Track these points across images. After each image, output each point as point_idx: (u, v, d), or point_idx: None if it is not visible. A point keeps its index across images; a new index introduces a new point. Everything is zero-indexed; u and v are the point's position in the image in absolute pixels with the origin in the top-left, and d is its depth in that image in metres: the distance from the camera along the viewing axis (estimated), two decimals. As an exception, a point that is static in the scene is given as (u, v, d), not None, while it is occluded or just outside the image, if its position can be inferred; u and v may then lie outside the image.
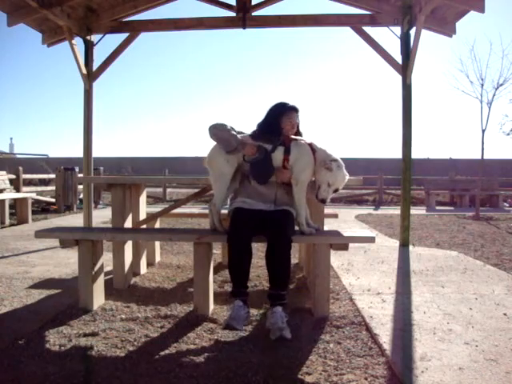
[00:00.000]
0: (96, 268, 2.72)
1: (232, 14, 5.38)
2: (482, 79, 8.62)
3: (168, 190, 13.44)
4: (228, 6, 5.41)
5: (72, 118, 63.20)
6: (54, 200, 9.30)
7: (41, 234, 2.77)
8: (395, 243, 5.23)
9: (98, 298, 2.77)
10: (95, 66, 5.48)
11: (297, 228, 2.59)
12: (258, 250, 4.15)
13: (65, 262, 4.09)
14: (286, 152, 2.54)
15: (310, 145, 2.58)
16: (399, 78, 5.01)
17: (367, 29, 5.19)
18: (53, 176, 10.30)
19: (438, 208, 11.37)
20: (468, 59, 10.51)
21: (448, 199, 13.12)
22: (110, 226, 4.52)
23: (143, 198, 3.81)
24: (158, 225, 4.05)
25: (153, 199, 12.52)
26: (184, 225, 6.75)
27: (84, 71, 5.34)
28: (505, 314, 2.61)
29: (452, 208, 11.48)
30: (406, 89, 4.95)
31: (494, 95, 8.64)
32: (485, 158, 9.07)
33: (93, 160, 5.52)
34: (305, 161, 2.53)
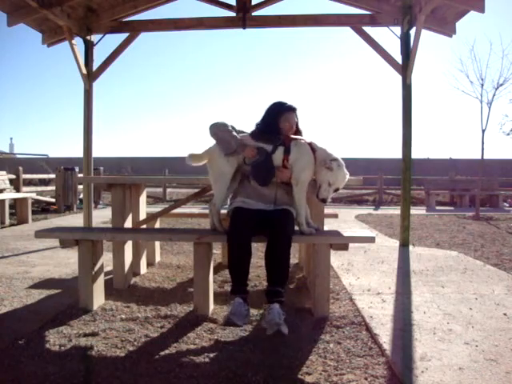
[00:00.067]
0: (96, 268, 2.72)
1: (232, 14, 5.38)
2: (482, 79, 8.63)
3: (168, 190, 13.45)
4: (228, 6, 5.41)
5: (72, 118, 63.25)
6: (54, 200, 9.30)
7: (41, 233, 2.77)
8: (395, 243, 5.23)
9: (98, 298, 2.77)
10: (95, 66, 5.48)
11: (297, 228, 2.59)
12: (258, 249, 4.15)
13: (65, 262, 4.09)
14: (285, 152, 2.54)
15: (310, 144, 2.57)
16: (399, 78, 5.01)
17: (367, 29, 5.19)
18: (53, 176, 10.30)
19: (437, 208, 11.37)
20: (468, 59, 10.50)
21: (448, 199, 13.13)
22: (109, 225, 4.52)
23: (143, 198, 3.81)
24: (157, 225, 4.05)
25: (153, 199, 12.52)
26: (184, 225, 6.75)
27: (84, 71, 5.35)
28: (505, 314, 2.61)
29: (452, 208, 11.49)
30: (406, 89, 4.95)
31: (493, 95, 8.65)
32: (485, 158, 9.08)
33: (93, 160, 5.53)
34: (305, 160, 2.53)
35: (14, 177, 8.45)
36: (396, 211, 8.32)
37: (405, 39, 4.99)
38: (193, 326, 2.42)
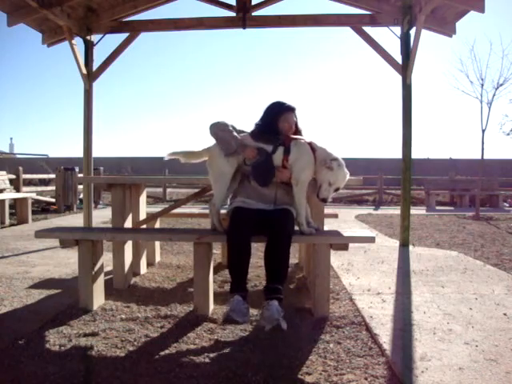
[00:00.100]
0: (96, 268, 2.72)
1: (232, 14, 5.38)
2: (482, 79, 8.64)
3: (168, 190, 13.45)
4: (228, 6, 5.41)
5: (72, 118, 63.27)
6: (54, 200, 9.30)
7: (41, 233, 2.77)
8: (395, 243, 5.23)
9: (98, 298, 2.77)
10: (95, 66, 5.48)
11: (297, 228, 2.59)
12: (258, 250, 4.15)
13: (65, 262, 4.09)
14: (285, 152, 2.53)
15: (310, 144, 2.57)
16: (399, 78, 5.01)
17: (367, 29, 5.19)
18: (53, 176, 10.30)
19: (438, 208, 11.37)
20: (468, 59, 10.51)
21: (448, 199, 13.13)
22: (110, 225, 4.52)
23: (143, 198, 3.81)
24: (158, 225, 4.05)
25: (153, 199, 12.52)
26: (184, 225, 6.75)
27: (84, 71, 5.35)
28: (505, 314, 2.61)
29: (452, 208, 11.49)
30: (406, 89, 4.95)
31: (494, 95, 8.66)
32: (485, 158, 9.08)
33: (93, 160, 5.53)
34: (304, 160, 2.53)
35: (14, 177, 8.45)
36: (396, 211, 8.32)
37: (405, 39, 4.99)
38: (193, 326, 2.42)
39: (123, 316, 2.57)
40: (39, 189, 10.46)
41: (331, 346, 2.17)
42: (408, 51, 4.93)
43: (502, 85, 8.58)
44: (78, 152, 32.15)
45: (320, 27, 5.64)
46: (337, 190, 2.55)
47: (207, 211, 2.81)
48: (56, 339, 2.22)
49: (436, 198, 12.27)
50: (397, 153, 5.49)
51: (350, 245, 2.64)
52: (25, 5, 4.55)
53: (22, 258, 4.26)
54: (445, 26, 5.05)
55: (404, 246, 5.01)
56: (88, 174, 5.41)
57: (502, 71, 8.61)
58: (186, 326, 2.43)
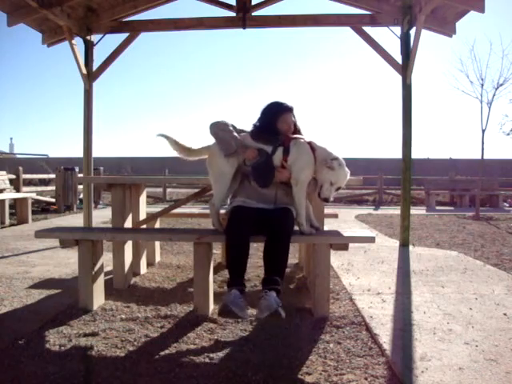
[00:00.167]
0: (96, 268, 2.72)
1: (232, 13, 5.38)
2: (482, 79, 8.64)
3: (168, 190, 13.45)
4: (228, 6, 5.41)
5: (72, 118, 63.19)
6: (54, 200, 9.30)
7: (41, 233, 2.77)
8: (395, 243, 5.23)
9: (98, 298, 2.77)
10: (95, 66, 5.48)
11: (297, 228, 2.59)
12: (258, 250, 4.15)
13: (65, 262, 4.09)
14: (284, 152, 2.53)
15: (310, 143, 2.57)
16: (399, 78, 5.01)
17: (367, 29, 5.19)
18: (53, 176, 10.30)
19: (438, 208, 11.37)
20: (468, 59, 10.47)
21: (448, 199, 13.13)
22: (110, 225, 4.52)
23: (143, 198, 3.81)
24: (158, 225, 4.05)
25: (153, 199, 12.52)
26: (184, 225, 6.75)
27: (84, 71, 5.35)
28: (505, 314, 2.61)
29: (452, 208, 11.49)
30: (406, 89, 4.95)
31: (494, 95, 8.66)
32: (485, 158, 9.08)
33: (93, 160, 5.53)
34: (304, 160, 2.52)
35: (14, 177, 8.45)
36: (396, 211, 8.32)
37: (405, 39, 4.99)
38: (193, 326, 2.42)
39: (123, 316, 2.57)
40: (39, 189, 10.46)
41: (331, 346, 2.17)
42: (408, 51, 4.93)
43: (502, 85, 8.59)
44: (78, 152, 32.15)
45: (320, 27, 5.64)
46: (338, 189, 2.55)
47: (207, 211, 2.81)
48: (56, 339, 2.22)
49: (436, 198, 12.27)
50: (397, 153, 5.49)
51: (350, 245, 2.64)
52: (25, 5, 4.55)
53: (22, 258, 4.26)
54: (445, 26, 5.05)
55: (404, 246, 5.01)
56: (88, 173, 5.41)
57: (501, 71, 8.63)
58: (186, 325, 2.43)
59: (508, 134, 11.05)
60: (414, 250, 4.81)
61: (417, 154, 24.41)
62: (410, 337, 2.27)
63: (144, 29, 5.50)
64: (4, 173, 8.11)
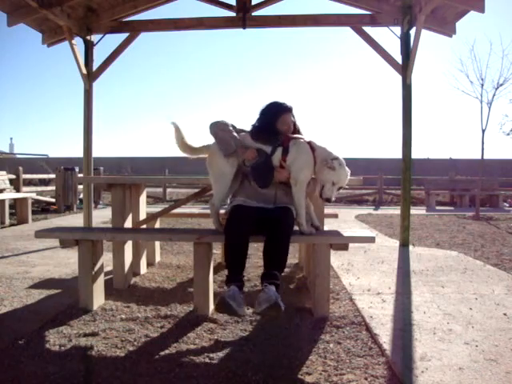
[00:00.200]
0: (96, 268, 2.72)
1: (232, 13, 5.38)
2: (482, 79, 8.64)
3: (168, 190, 13.45)
4: (228, 6, 5.41)
5: (72, 118, 63.18)
6: (54, 200, 9.30)
7: (41, 233, 2.77)
8: (395, 243, 5.23)
9: (98, 298, 2.77)
10: (95, 66, 5.49)
11: (297, 228, 2.59)
12: (258, 250, 4.15)
13: (65, 262, 4.09)
14: (283, 152, 2.53)
15: (309, 143, 2.56)
16: (399, 78, 5.01)
17: (367, 29, 5.19)
18: (53, 176, 10.30)
19: (438, 208, 11.37)
20: (468, 59, 10.48)
21: (448, 199, 13.13)
22: (110, 225, 4.52)
23: (143, 198, 3.81)
24: (158, 225, 4.05)
25: (153, 199, 12.52)
26: (184, 225, 6.75)
27: (84, 71, 5.35)
28: (505, 314, 2.61)
29: (452, 208, 11.49)
30: (406, 89, 4.95)
31: (494, 95, 8.66)
32: (485, 158, 9.08)
33: (93, 160, 5.53)
34: (303, 160, 2.52)
35: (14, 177, 8.45)
36: (396, 211, 8.32)
37: (405, 39, 4.99)
38: (193, 326, 2.42)
39: (123, 316, 2.57)
40: (39, 189, 10.46)
41: (331, 345, 2.17)
42: (408, 51, 4.93)
43: (502, 85, 8.59)
44: (78, 152, 32.15)
45: (320, 27, 5.64)
46: (339, 188, 2.55)
47: (207, 211, 2.81)
48: (56, 339, 2.22)
49: (436, 198, 12.27)
50: (397, 153, 5.49)
51: (350, 245, 2.64)
52: (25, 5, 4.55)
53: (22, 258, 4.26)
54: (445, 26, 5.05)
55: (404, 246, 5.01)
56: (88, 173, 5.41)
57: (501, 71, 8.63)
58: (186, 325, 2.43)
59: (508, 134, 11.06)
60: (413, 250, 4.81)
61: (417, 154, 24.43)
62: (409, 337, 2.27)
63: (144, 29, 5.50)
64: (4, 173, 8.11)
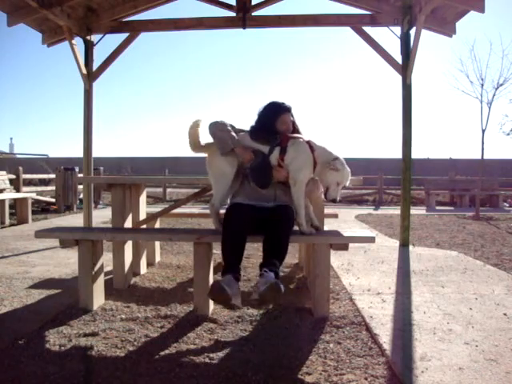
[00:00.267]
0: (96, 268, 2.72)
1: (232, 13, 5.38)
2: (482, 79, 8.64)
3: (168, 190, 13.45)
4: (228, 6, 5.41)
5: (72, 118, 63.18)
6: (54, 200, 9.30)
7: (41, 233, 2.77)
8: (395, 243, 5.23)
9: (98, 298, 2.77)
10: (95, 66, 5.48)
11: (297, 228, 2.59)
12: (258, 250, 4.15)
13: (65, 262, 4.09)
14: (281, 152, 2.52)
15: (309, 143, 2.56)
16: (399, 78, 5.01)
17: (367, 29, 5.19)
18: (53, 176, 10.30)
19: (438, 208, 11.37)
20: (468, 59, 10.49)
21: (448, 199, 13.13)
22: (110, 225, 4.52)
23: (143, 198, 3.81)
24: (158, 225, 4.05)
25: (153, 199, 12.52)
26: (184, 225, 6.75)
27: (84, 71, 5.35)
28: (505, 314, 2.61)
29: (452, 208, 11.48)
30: (406, 89, 4.95)
31: (494, 95, 8.66)
32: (485, 158, 9.08)
33: (93, 160, 5.53)
34: (302, 159, 2.51)
35: (14, 177, 8.45)
36: (396, 211, 8.32)
37: (405, 39, 4.99)
38: (193, 326, 2.42)
39: (123, 316, 2.57)
40: (39, 189, 10.46)
41: (331, 345, 2.17)
42: (408, 51, 4.93)
43: (502, 85, 8.60)
44: (78, 152, 32.16)
45: (320, 27, 5.64)
46: (343, 187, 2.56)
47: (207, 211, 2.81)
48: (56, 339, 2.22)
49: (436, 198, 12.27)
50: (397, 153, 5.49)
51: (350, 245, 2.64)
52: (25, 5, 4.55)
53: (22, 258, 4.26)
54: (445, 26, 5.05)
55: (404, 246, 5.01)
56: (88, 173, 5.41)
57: (501, 71, 8.63)
58: (185, 325, 2.43)
59: (508, 134, 11.06)
60: (413, 250, 4.81)
61: (417, 154, 24.45)
62: (409, 337, 2.27)
63: (144, 29, 5.50)
64: (4, 173, 8.11)
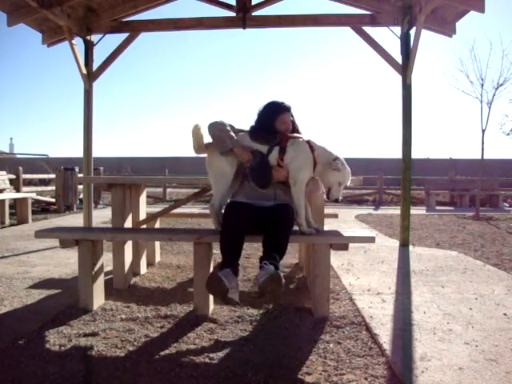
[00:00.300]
0: (96, 268, 2.72)
1: (232, 14, 5.38)
2: (482, 79, 8.64)
3: (168, 190, 13.45)
4: (228, 6, 5.41)
5: (72, 118, 63.27)
6: (54, 200, 9.30)
7: (41, 233, 2.77)
8: (395, 243, 5.23)
9: (98, 298, 2.77)
10: (95, 66, 5.48)
11: (297, 228, 2.59)
12: (258, 250, 4.15)
13: (65, 262, 4.09)
14: (280, 151, 2.52)
15: (308, 142, 2.56)
16: (399, 78, 5.01)
17: (367, 29, 5.19)
18: (53, 176, 10.29)
19: (438, 208, 11.37)
20: (468, 59, 10.51)
21: (448, 199, 13.13)
22: (109, 225, 4.52)
23: (143, 198, 3.81)
24: (158, 225, 4.05)
25: (153, 199, 12.52)
26: (184, 225, 6.75)
27: (84, 71, 5.35)
28: (505, 314, 2.61)
29: (452, 208, 11.48)
30: (406, 89, 4.95)
31: (494, 95, 8.66)
32: (485, 158, 9.08)
33: (93, 160, 5.53)
34: (302, 159, 2.51)
35: (14, 177, 8.45)
36: (396, 211, 8.32)
37: (405, 39, 4.99)
38: (193, 326, 2.42)
39: (123, 316, 2.57)
40: (39, 189, 10.46)
41: (331, 346, 2.17)
42: (408, 51, 4.93)
43: (502, 85, 8.60)
44: (78, 152, 32.18)
45: (320, 27, 5.63)
46: (344, 187, 2.56)
47: (207, 211, 2.81)
48: (56, 339, 2.22)
49: (436, 198, 12.27)
50: (397, 153, 5.50)
51: (350, 245, 2.64)
52: (25, 5, 4.55)
53: (22, 258, 4.26)
54: (445, 26, 5.05)
55: (404, 246, 5.01)
56: (88, 173, 5.41)
57: (501, 71, 8.64)
58: (185, 325, 2.43)
59: (508, 134, 11.08)
60: (413, 250, 4.81)
61: (417, 153, 24.48)
62: (410, 337, 2.27)
63: (144, 29, 5.50)
64: (4, 173, 8.11)
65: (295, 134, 2.63)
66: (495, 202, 11.89)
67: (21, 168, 8.72)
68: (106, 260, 3.14)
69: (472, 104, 41.25)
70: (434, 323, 2.46)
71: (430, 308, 2.74)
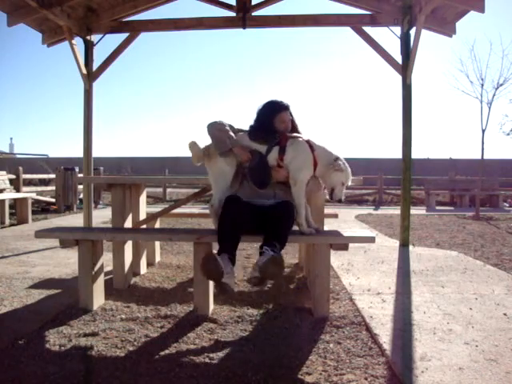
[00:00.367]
0: (96, 268, 2.72)
1: (232, 13, 5.38)
2: (482, 79, 8.65)
3: (168, 190, 13.45)
4: (228, 6, 5.41)
5: (72, 118, 63.25)
6: (54, 200, 9.30)
7: (41, 233, 2.77)
8: (395, 243, 5.23)
9: (98, 298, 2.77)
10: (95, 66, 5.49)
11: (297, 228, 2.59)
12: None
13: (65, 262, 4.09)
14: (280, 151, 2.52)
15: (308, 142, 2.56)
16: (399, 78, 5.01)
17: (367, 29, 5.19)
18: (53, 176, 10.30)
19: (438, 208, 11.37)
20: (468, 59, 10.52)
21: (448, 199, 13.13)
22: (110, 225, 4.52)
23: (143, 198, 3.81)
24: (158, 225, 4.05)
25: (153, 199, 12.52)
26: (184, 225, 6.75)
27: (84, 71, 5.35)
28: (505, 314, 2.61)
29: (452, 208, 11.48)
30: (406, 89, 4.95)
31: (494, 95, 8.67)
32: (485, 158, 9.08)
33: (93, 160, 5.53)
34: (302, 159, 2.51)
35: (14, 177, 8.45)
36: (396, 211, 8.32)
37: (405, 39, 4.99)
38: (193, 326, 2.42)
39: (123, 316, 2.57)
40: (39, 189, 10.46)
41: (331, 346, 2.17)
42: (408, 51, 4.93)
43: (502, 85, 8.60)
44: (78, 152, 32.17)
45: (320, 27, 5.64)
46: (346, 187, 2.57)
47: (207, 211, 2.81)
48: (56, 339, 2.22)
49: (436, 198, 12.27)
50: (397, 153, 5.50)
51: (350, 245, 2.64)
52: (25, 5, 4.55)
53: (22, 258, 4.26)
54: (445, 26, 5.05)
55: (404, 246, 5.01)
56: (88, 173, 5.41)
57: (501, 71, 8.64)
58: (185, 325, 2.43)
59: (508, 134, 11.07)
60: (414, 250, 4.81)
61: (417, 154, 24.47)
62: (410, 337, 2.26)
63: (144, 29, 5.50)
64: (4, 173, 8.11)
65: (295, 134, 2.62)
66: (495, 202, 11.89)
67: (21, 168, 8.72)
68: (106, 260, 3.14)
69: (472, 104, 41.30)
70: (434, 323, 2.46)
71: (429, 308, 2.74)
